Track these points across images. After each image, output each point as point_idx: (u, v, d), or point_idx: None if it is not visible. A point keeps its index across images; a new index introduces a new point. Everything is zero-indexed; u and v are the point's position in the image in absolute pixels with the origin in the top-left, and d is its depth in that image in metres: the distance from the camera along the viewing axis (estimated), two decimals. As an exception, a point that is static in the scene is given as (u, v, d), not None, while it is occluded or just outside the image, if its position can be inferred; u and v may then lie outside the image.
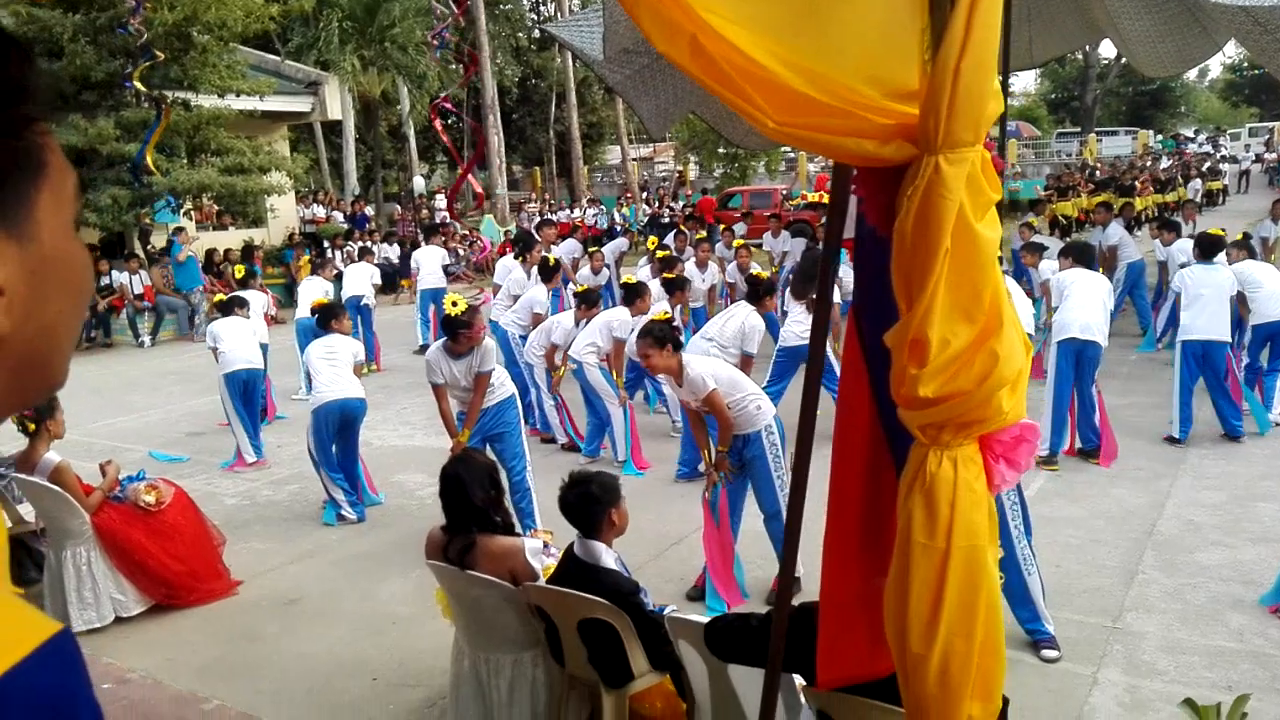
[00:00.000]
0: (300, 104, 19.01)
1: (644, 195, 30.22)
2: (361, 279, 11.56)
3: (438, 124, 12.59)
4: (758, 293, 7.15)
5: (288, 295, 15.97)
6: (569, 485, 3.35)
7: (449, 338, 5.52)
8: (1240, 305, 7.52)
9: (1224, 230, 7.91)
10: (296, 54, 21.12)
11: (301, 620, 5.04)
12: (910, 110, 1.66)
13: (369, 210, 22.55)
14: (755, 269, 11.05)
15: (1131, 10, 13.28)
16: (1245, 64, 47.95)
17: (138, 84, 11.08)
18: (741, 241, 12.48)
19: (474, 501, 3.47)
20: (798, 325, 7.39)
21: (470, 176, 9.60)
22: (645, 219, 26.34)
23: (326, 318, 6.87)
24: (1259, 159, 35.44)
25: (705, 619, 2.90)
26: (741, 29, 1.66)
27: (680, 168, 37.38)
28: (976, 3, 1.54)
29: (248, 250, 16.43)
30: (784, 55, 1.66)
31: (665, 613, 3.31)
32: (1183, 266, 8.50)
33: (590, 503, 3.28)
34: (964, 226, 1.62)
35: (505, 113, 33.34)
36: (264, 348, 8.31)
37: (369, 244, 16.56)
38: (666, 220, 23.52)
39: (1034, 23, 14.73)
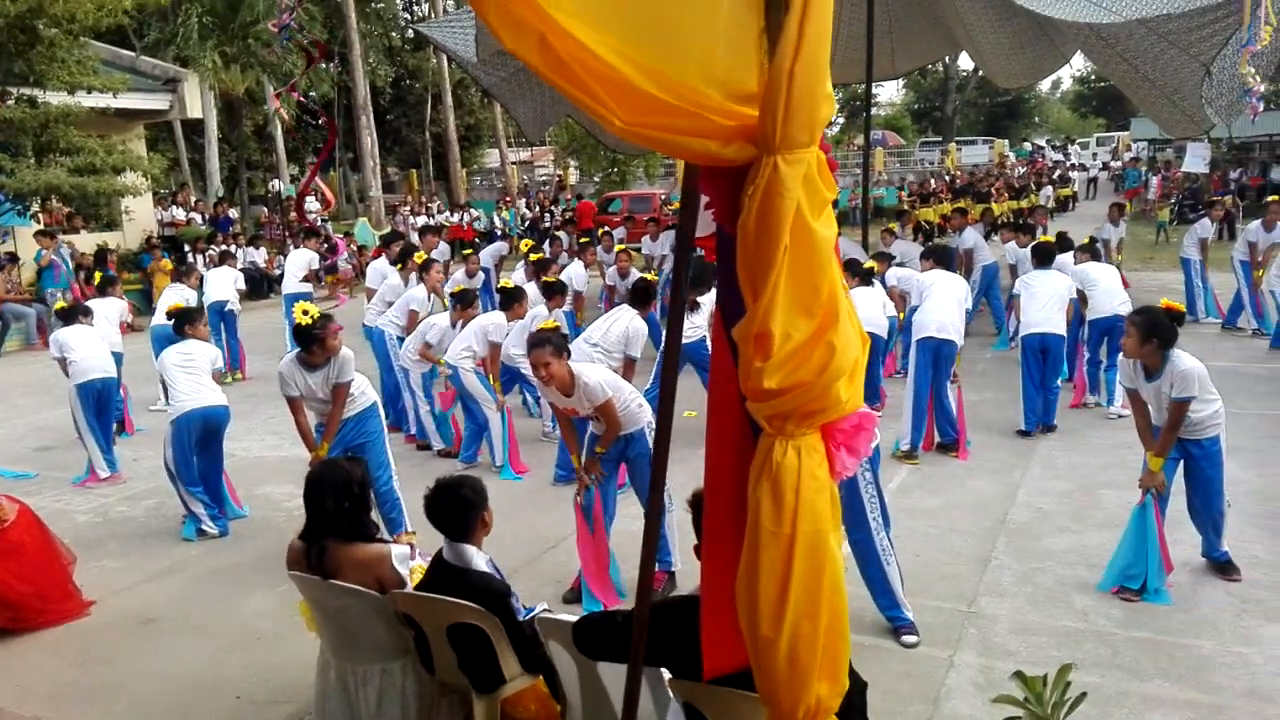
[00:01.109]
0: (158, 101, 18.11)
1: (524, 199, 30.04)
2: (225, 284, 11.10)
3: (281, 111, 12.14)
4: (642, 296, 7.21)
5: (145, 301, 15.21)
6: (437, 492, 3.30)
7: (302, 349, 5.35)
8: (1081, 303, 8.07)
9: (1054, 237, 8.52)
10: (153, 49, 20.14)
11: (159, 640, 4.82)
12: (750, 112, 1.71)
13: (233, 213, 21.67)
14: (634, 273, 11.17)
15: (986, 25, 14.00)
16: (1092, 76, 51.06)
17: None
18: (622, 246, 12.57)
19: (325, 509, 3.37)
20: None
21: (318, 179, 9.27)
22: (525, 223, 26.22)
23: (182, 323, 6.57)
24: (1106, 166, 37.81)
25: (573, 618, 2.91)
26: (589, 28, 1.68)
27: (560, 172, 37.33)
28: (808, 8, 1.60)
29: (100, 255, 15.59)
30: (631, 55, 1.69)
31: (535, 613, 3.31)
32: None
33: (463, 507, 3.24)
34: (801, 224, 1.68)
35: (379, 113, 32.64)
36: (118, 357, 7.90)
37: (230, 247, 15.92)
38: (546, 225, 23.47)
39: (895, 35, 15.36)
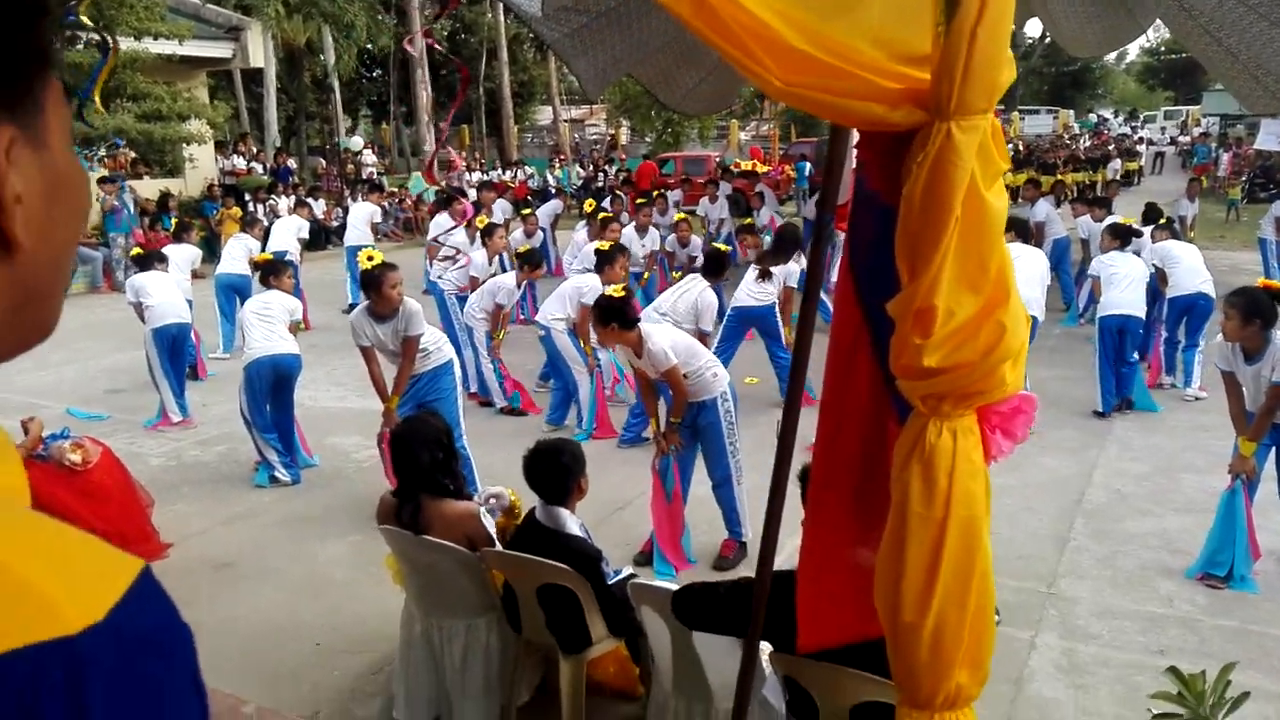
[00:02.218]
0: (221, 49, 18.20)
1: (577, 160, 29.89)
2: (288, 234, 11.19)
3: (411, 49, 12.13)
4: (714, 266, 7.08)
5: (208, 249, 15.40)
6: (536, 455, 3.30)
7: (366, 295, 5.39)
8: (1160, 282, 7.85)
9: (1144, 210, 8.23)
10: (218, -3, 20.22)
11: (236, 585, 4.90)
12: (919, 75, 1.63)
13: (292, 163, 21.82)
14: (696, 241, 11.06)
15: (1064, -11, 13.53)
16: (1163, 48, 49.47)
17: (84, 18, 10.36)
18: (683, 215, 12.39)
19: (421, 464, 3.39)
20: (749, 286, 7.40)
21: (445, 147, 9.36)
22: (579, 182, 26.09)
23: (268, 274, 6.63)
24: (1173, 141, 36.71)
25: (671, 586, 2.89)
26: (747, -16, 1.61)
27: (612, 131, 37.05)
28: (997, -34, 1.51)
29: (163, 201, 15.78)
30: (792, 15, 1.61)
31: (621, 576, 3.29)
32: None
33: (561, 473, 3.24)
34: (974, 195, 1.60)
35: (433, 68, 32.56)
36: (188, 304, 8.01)
37: (302, 196, 15.96)
38: (600, 185, 23.34)
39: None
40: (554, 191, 19.12)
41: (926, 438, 1.70)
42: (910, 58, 1.65)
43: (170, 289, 7.53)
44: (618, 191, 14.56)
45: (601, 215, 10.32)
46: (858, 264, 1.98)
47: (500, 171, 25.82)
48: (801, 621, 2.16)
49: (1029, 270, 6.87)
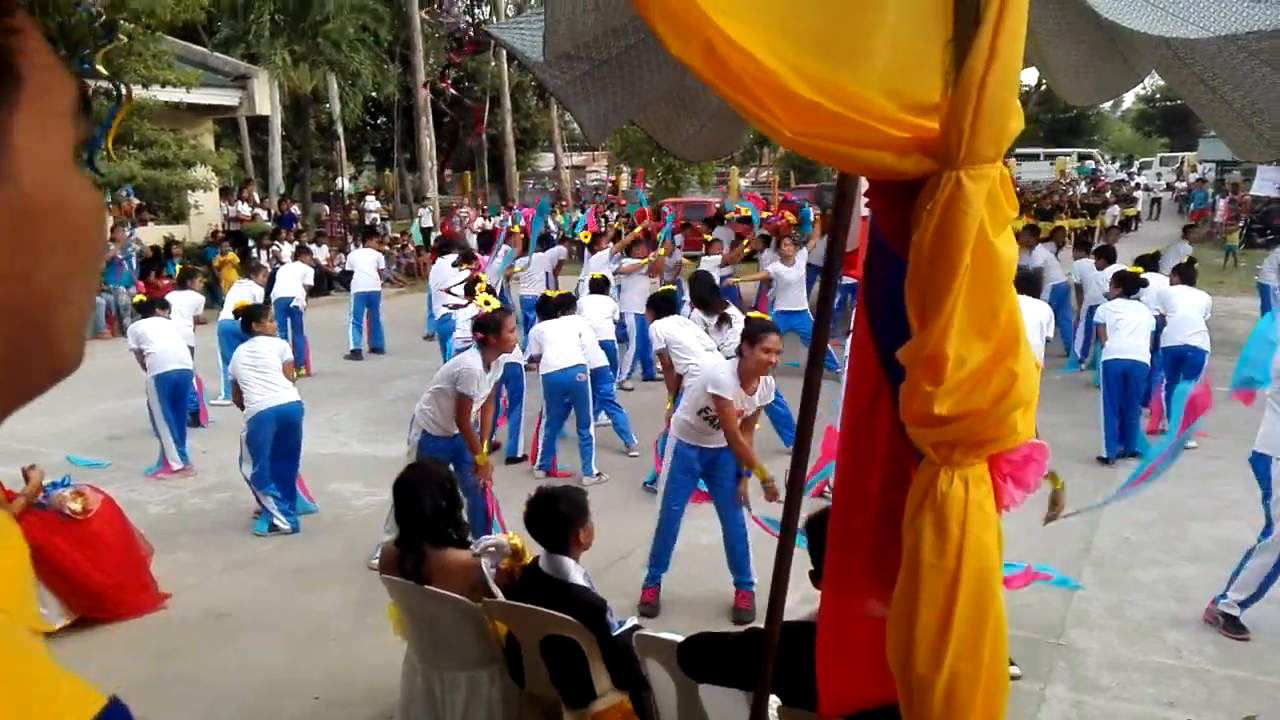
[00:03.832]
0: (228, 97, 18.44)
1: (579, 204, 30.11)
2: (293, 279, 11.23)
3: (445, 85, 12.33)
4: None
5: (210, 295, 15.45)
6: (536, 503, 3.26)
7: (488, 341, 5.27)
8: (1161, 327, 7.88)
9: (1153, 255, 8.24)
10: (225, 46, 20.52)
11: (235, 635, 4.84)
12: (927, 124, 1.63)
13: (295, 209, 21.97)
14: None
15: (1057, 40, 13.72)
16: (1157, 95, 50.05)
17: (100, 67, 10.47)
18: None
19: (424, 513, 3.36)
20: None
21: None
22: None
23: (249, 320, 6.57)
24: (1170, 187, 37.00)
25: (675, 637, 2.84)
26: (757, 36, 1.62)
27: (613, 177, 37.37)
28: (1004, 17, 1.52)
29: (167, 247, 15.87)
30: (800, 65, 1.62)
31: (627, 627, 3.25)
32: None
33: (561, 522, 3.20)
34: (984, 243, 1.60)
35: (437, 115, 32.94)
36: (190, 350, 8.01)
37: (305, 243, 16.07)
38: (603, 230, 23.43)
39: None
40: (556, 238, 19.21)
41: (938, 486, 1.68)
42: (919, 107, 1.66)
43: (172, 335, 7.53)
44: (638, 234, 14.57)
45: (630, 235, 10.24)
46: (873, 312, 1.98)
47: (502, 218, 25.97)
48: (822, 683, 2.11)
49: (1029, 319, 6.88)
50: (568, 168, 36.99)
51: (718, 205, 26.88)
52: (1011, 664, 4.21)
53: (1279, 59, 9.34)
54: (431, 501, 3.30)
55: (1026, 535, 5.84)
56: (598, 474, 7.08)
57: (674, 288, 8.01)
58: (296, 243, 15.82)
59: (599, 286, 9.10)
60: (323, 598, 5.24)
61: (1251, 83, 10.54)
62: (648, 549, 5.07)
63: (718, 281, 9.33)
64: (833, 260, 2.02)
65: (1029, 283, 7.48)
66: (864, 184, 1.95)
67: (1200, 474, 6.85)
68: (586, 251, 11.81)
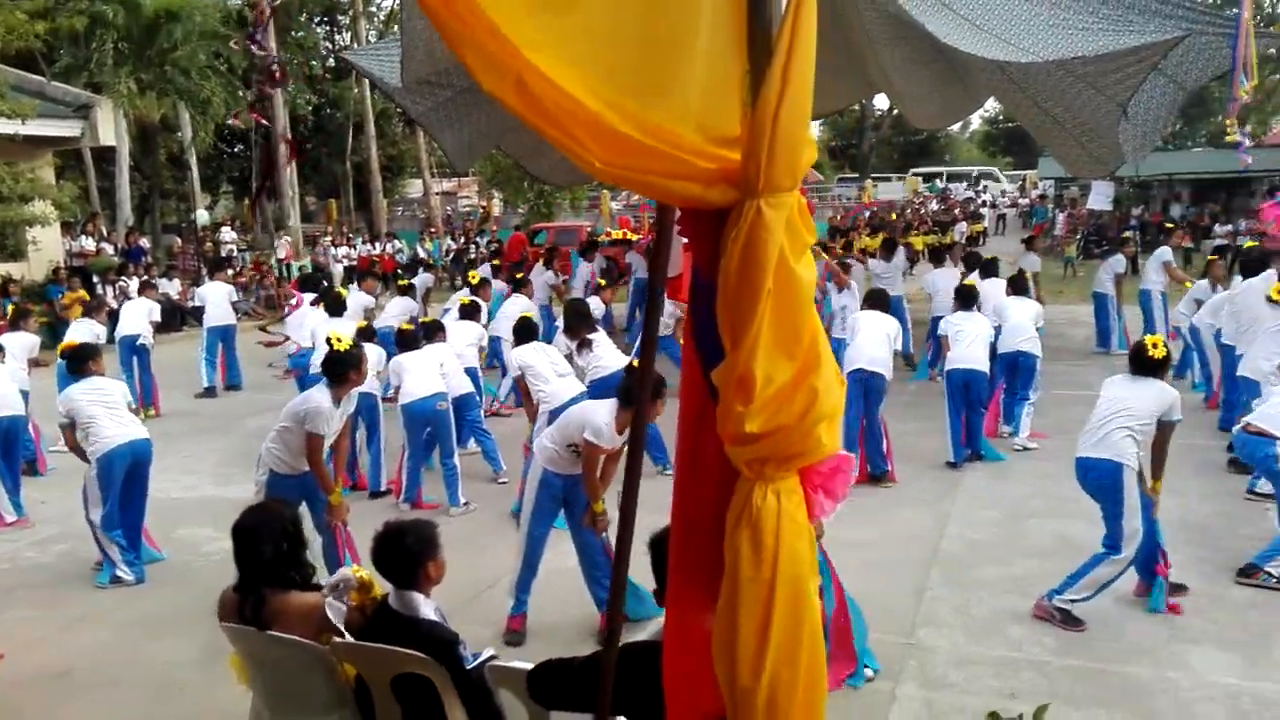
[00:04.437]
0: (68, 128, 17.45)
1: (449, 230, 29.80)
2: (139, 316, 10.70)
3: (255, 117, 11.93)
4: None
5: (51, 336, 14.56)
6: (383, 539, 3.20)
7: (337, 379, 5.14)
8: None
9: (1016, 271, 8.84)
10: (65, 75, 19.44)
11: (75, 695, 4.56)
12: (733, 155, 1.71)
13: (145, 243, 20.96)
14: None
15: (904, 70, 14.43)
16: (1000, 117, 53.03)
17: None
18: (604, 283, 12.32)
19: (263, 556, 3.25)
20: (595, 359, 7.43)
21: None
22: (450, 254, 25.96)
23: (81, 361, 6.22)
24: (1014, 204, 39.24)
25: (526, 666, 2.84)
26: (568, 71, 1.66)
27: (485, 203, 37.12)
28: (792, 54, 1.61)
29: (3, 286, 14.91)
30: (610, 98, 1.68)
31: (482, 660, 3.21)
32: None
33: (408, 557, 3.14)
34: (784, 268, 1.68)
35: (299, 143, 32.04)
36: (25, 395, 7.53)
37: (151, 278, 15.35)
38: (472, 256, 23.26)
39: (817, 78, 15.71)
40: (425, 265, 18.96)
41: (753, 501, 1.75)
42: (724, 139, 1.73)
43: (3, 379, 7.07)
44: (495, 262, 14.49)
45: (464, 300, 10.00)
46: (697, 335, 2.04)
47: (370, 245, 25.46)
48: (670, 701, 2.14)
49: (877, 331, 7.21)
50: (437, 194, 36.53)
51: (589, 229, 27.10)
52: (867, 666, 4.38)
53: (1102, 82, 10.12)
54: (272, 544, 3.19)
55: (883, 541, 6.10)
56: (465, 503, 6.99)
57: (530, 315, 7.99)
58: (144, 277, 15.07)
59: (467, 312, 9.02)
60: (171, 649, 5.00)
61: (1080, 104, 11.34)
62: (509, 579, 5.04)
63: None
64: (654, 287, 2.07)
65: (879, 300, 7.85)
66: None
67: (1039, 474, 7.28)
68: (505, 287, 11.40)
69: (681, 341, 2.29)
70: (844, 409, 6.18)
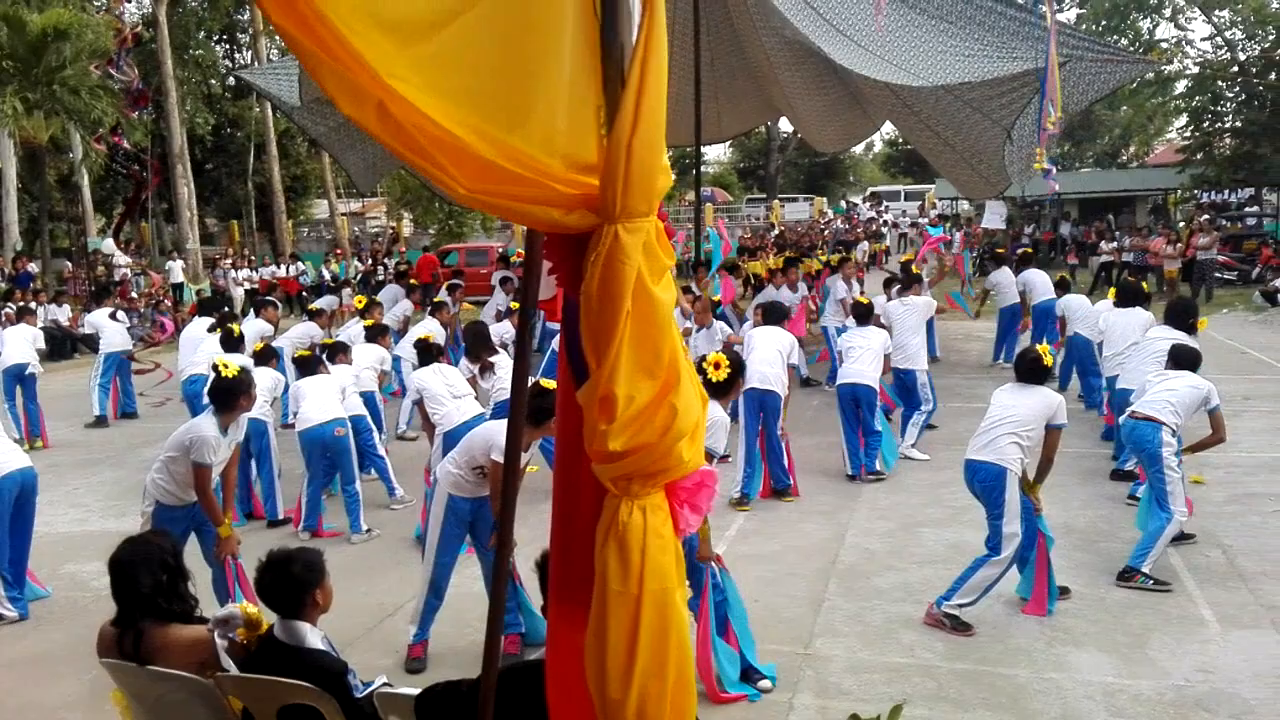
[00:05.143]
0: (-53, 148, 16.75)
1: (356, 252, 29.31)
2: (24, 344, 10.24)
3: (118, 141, 11.60)
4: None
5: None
6: (266, 567, 3.14)
7: (224, 407, 5.00)
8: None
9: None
10: (-56, 94, 18.65)
11: (-56, 742, 4.34)
12: (591, 181, 1.76)
13: (33, 267, 20.11)
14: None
15: (803, 93, 14.86)
16: (900, 140, 54.71)
17: None
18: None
19: (140, 589, 3.16)
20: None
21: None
22: (358, 275, 25.52)
23: None
24: (914, 224, 40.45)
25: (414, 691, 2.82)
26: (430, 98, 1.69)
27: (394, 224, 36.64)
28: (644, 87, 1.67)
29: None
30: (473, 124, 1.71)
31: (373, 688, 3.18)
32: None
33: (294, 585, 3.09)
34: (643, 290, 1.74)
35: (198, 163, 31.20)
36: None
37: (28, 303, 14.70)
38: (380, 278, 22.90)
39: (720, 100, 16.08)
40: (328, 287, 18.61)
41: (619, 517, 1.79)
42: (582, 165, 1.78)
43: None
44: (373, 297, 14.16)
45: (368, 321, 9.82)
46: (570, 355, 2.08)
47: (274, 268, 24.87)
48: (554, 715, 2.16)
49: (769, 349, 7.37)
50: (344, 214, 35.92)
51: (500, 249, 26.97)
52: (764, 677, 4.46)
53: (987, 106, 10.56)
54: (150, 576, 3.11)
55: (785, 553, 6.23)
56: (367, 530, 6.88)
57: (431, 337, 7.94)
58: (19, 304, 14.38)
59: (371, 334, 8.94)
60: (56, 689, 4.80)
61: (969, 128, 11.80)
62: (413, 604, 4.98)
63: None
64: (525, 308, 2.11)
65: (772, 313, 8.05)
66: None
67: (933, 484, 7.52)
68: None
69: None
70: (745, 427, 6.31)
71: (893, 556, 6.10)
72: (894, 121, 15.10)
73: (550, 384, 4.38)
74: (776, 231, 30.63)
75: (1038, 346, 5.53)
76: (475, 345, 7.58)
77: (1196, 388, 5.76)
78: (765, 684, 4.46)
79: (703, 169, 21.29)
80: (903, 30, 10.62)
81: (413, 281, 15.41)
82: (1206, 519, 6.47)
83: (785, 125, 38.23)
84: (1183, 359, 6.03)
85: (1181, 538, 5.97)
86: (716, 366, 5.18)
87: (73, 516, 7.68)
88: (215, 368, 5.15)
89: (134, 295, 19.63)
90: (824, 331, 12.17)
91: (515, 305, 12.84)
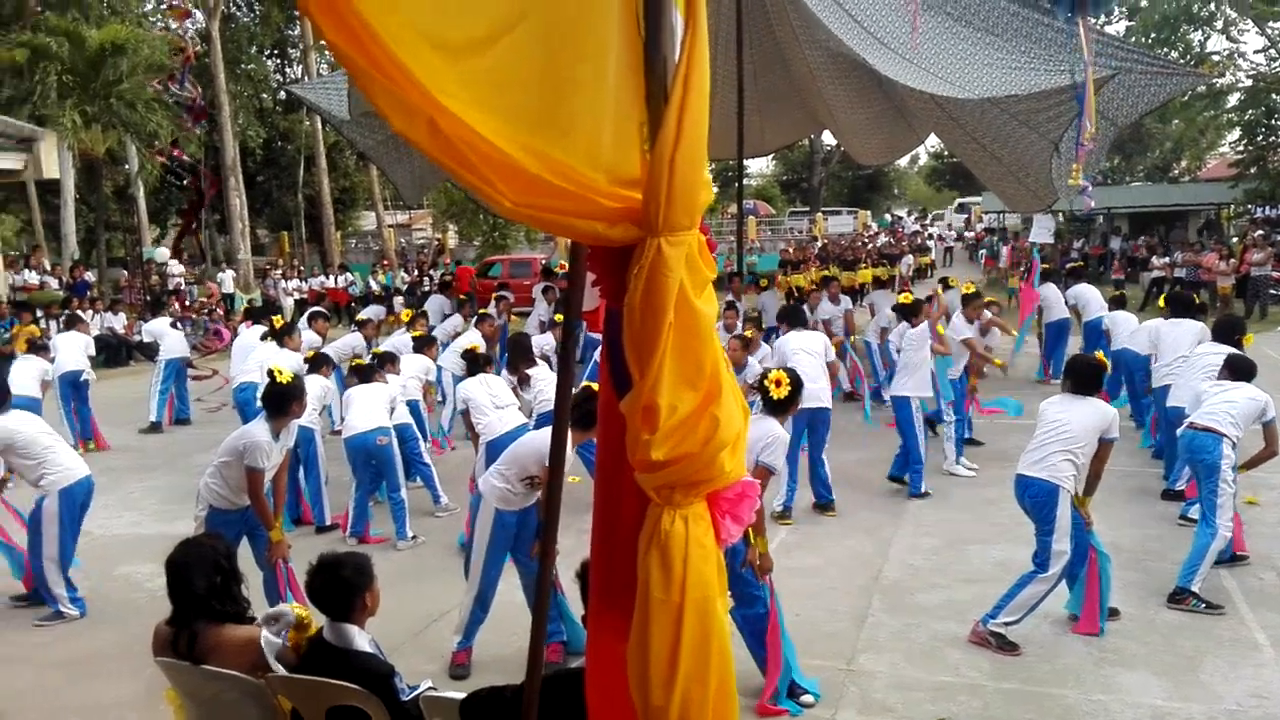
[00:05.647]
0: (11, 161, 17.20)
1: (403, 263, 29.72)
2: (75, 351, 10.49)
3: (178, 154, 11.89)
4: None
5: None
6: (317, 569, 3.20)
7: (277, 413, 5.12)
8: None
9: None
10: (7, 107, 19.19)
11: (1, 738, 4.47)
12: (635, 195, 1.79)
13: (90, 276, 20.64)
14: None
15: (846, 106, 14.80)
16: (944, 153, 54.23)
17: None
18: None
19: (196, 591, 3.25)
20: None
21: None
22: (404, 287, 25.87)
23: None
24: (960, 237, 40.06)
25: (459, 696, 2.86)
26: (479, 114, 1.73)
27: (439, 236, 37.07)
28: (686, 103, 1.70)
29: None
30: (521, 140, 1.75)
31: (419, 692, 3.22)
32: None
33: (344, 589, 3.15)
34: (685, 302, 1.77)
35: (249, 175, 31.85)
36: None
37: (82, 311, 15.04)
38: (426, 289, 23.19)
39: (763, 113, 16.07)
40: (375, 297, 18.88)
41: (662, 525, 1.82)
42: (626, 180, 1.82)
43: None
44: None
45: (416, 332, 9.97)
46: (612, 366, 2.11)
47: (323, 278, 25.30)
48: None
49: (813, 363, 7.35)
50: (390, 226, 36.41)
51: (544, 261, 27.16)
52: (806, 692, 4.45)
53: (1035, 120, 10.44)
54: (205, 578, 3.19)
55: (827, 568, 6.19)
56: (413, 537, 6.97)
57: (478, 347, 8.02)
58: (69, 311, 14.69)
59: (419, 345, 9.07)
60: (112, 689, 4.92)
61: (1015, 140, 11.67)
62: (460, 615, 5.03)
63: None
64: (570, 319, 2.15)
65: (796, 316, 8.09)
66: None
67: (978, 501, 7.43)
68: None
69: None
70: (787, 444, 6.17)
71: (937, 573, 6.04)
72: (939, 134, 14.97)
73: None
74: (820, 245, 30.45)
75: (1095, 354, 5.46)
76: (515, 357, 7.64)
77: (1255, 399, 5.65)
78: (808, 699, 4.44)
79: (746, 181, 21.25)
80: (948, 42, 10.54)
81: (462, 297, 15.57)
82: (1261, 540, 6.33)
83: (829, 138, 38.11)
84: (1239, 369, 5.92)
85: (1234, 559, 5.85)
86: (778, 384, 5.17)
87: (128, 520, 7.87)
88: (270, 374, 5.27)
89: (188, 304, 20.11)
90: (866, 346, 12.09)
91: (559, 317, 12.94)
